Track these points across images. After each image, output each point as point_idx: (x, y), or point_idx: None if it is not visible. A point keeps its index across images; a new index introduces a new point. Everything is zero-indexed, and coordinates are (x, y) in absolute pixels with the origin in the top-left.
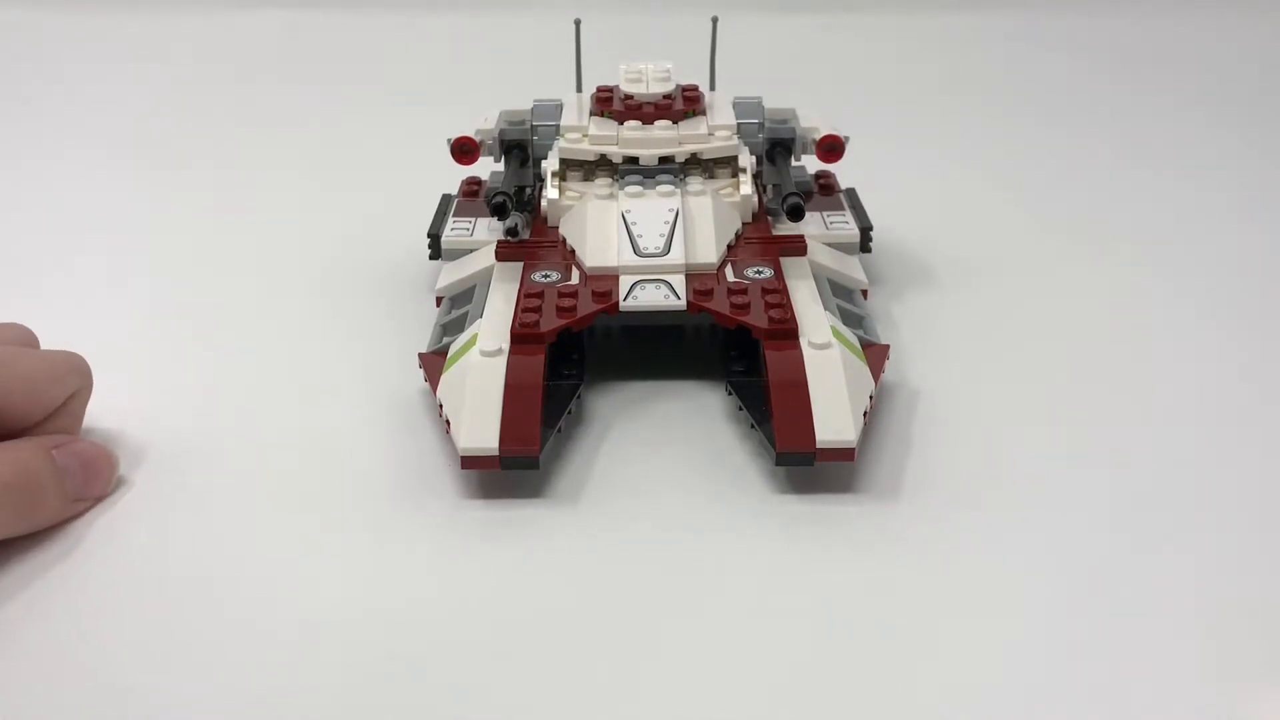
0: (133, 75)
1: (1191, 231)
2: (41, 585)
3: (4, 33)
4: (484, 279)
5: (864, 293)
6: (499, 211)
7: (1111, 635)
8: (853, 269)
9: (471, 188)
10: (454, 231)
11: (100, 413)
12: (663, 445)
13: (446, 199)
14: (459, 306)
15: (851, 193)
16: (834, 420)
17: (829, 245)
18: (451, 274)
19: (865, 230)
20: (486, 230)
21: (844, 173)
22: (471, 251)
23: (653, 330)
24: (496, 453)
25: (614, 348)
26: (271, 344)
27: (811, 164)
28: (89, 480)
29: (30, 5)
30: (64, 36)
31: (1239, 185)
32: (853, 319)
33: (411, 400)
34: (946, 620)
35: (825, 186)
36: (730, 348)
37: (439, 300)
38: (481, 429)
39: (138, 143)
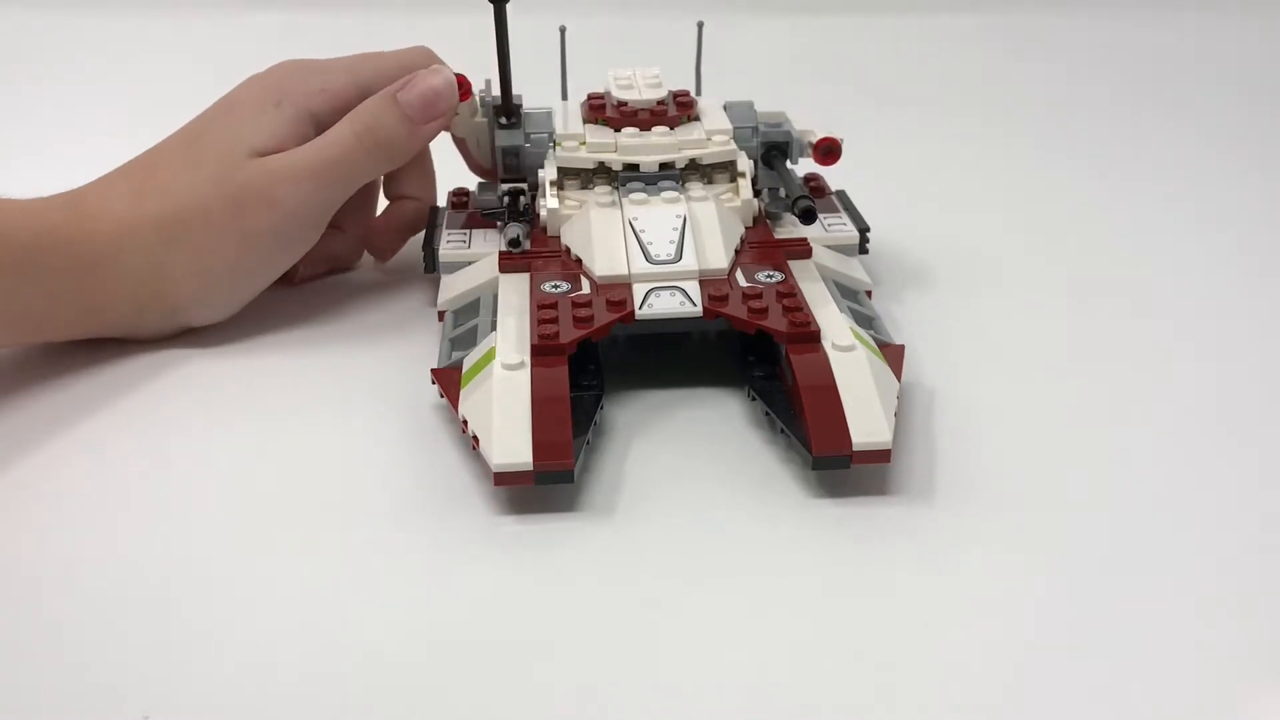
0: (134, 78)
1: (1193, 230)
2: (56, 589)
3: (4, 33)
4: (488, 291)
5: (868, 293)
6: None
7: (1120, 635)
8: (856, 270)
9: (459, 199)
10: (450, 244)
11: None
12: (691, 453)
13: (435, 211)
14: (464, 320)
15: (842, 194)
16: (868, 422)
17: (828, 248)
18: (452, 287)
19: (862, 232)
20: (484, 242)
21: (834, 174)
22: (469, 264)
23: (659, 337)
24: (531, 468)
25: (621, 355)
26: (271, 354)
27: (802, 166)
28: (430, 108)
29: (31, 6)
30: (63, 38)
31: (1242, 185)
32: (864, 320)
33: (424, 417)
34: (996, 622)
35: (815, 189)
36: (747, 353)
37: (440, 314)
38: (514, 444)
39: (139, 146)
